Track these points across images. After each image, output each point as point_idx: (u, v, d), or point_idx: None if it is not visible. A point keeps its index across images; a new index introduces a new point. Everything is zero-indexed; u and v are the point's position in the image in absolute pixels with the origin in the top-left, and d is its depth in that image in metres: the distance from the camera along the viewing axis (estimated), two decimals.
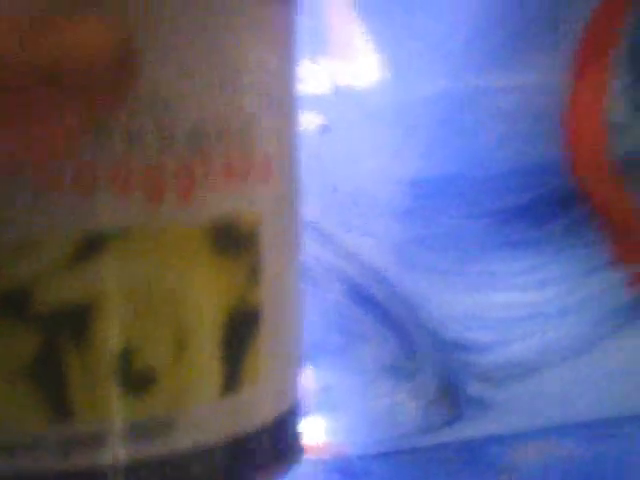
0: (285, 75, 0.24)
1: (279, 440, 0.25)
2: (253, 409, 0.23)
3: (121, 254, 0.21)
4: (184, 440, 0.22)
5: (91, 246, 0.20)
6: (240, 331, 0.23)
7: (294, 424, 0.25)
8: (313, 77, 0.40)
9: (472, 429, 0.44)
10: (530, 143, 0.41)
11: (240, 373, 0.23)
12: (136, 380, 0.21)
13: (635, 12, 0.42)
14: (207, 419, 0.22)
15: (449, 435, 0.44)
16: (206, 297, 0.22)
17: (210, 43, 0.22)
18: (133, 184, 0.21)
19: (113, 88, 0.20)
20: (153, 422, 0.21)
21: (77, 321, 0.21)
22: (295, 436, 0.26)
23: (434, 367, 0.44)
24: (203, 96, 0.21)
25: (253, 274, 0.23)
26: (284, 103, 0.24)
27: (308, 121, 0.40)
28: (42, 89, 0.19)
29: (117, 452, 0.21)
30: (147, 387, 0.21)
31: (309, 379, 0.42)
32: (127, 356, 0.21)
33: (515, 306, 0.43)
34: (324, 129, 0.40)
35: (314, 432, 0.42)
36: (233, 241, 0.22)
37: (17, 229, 0.20)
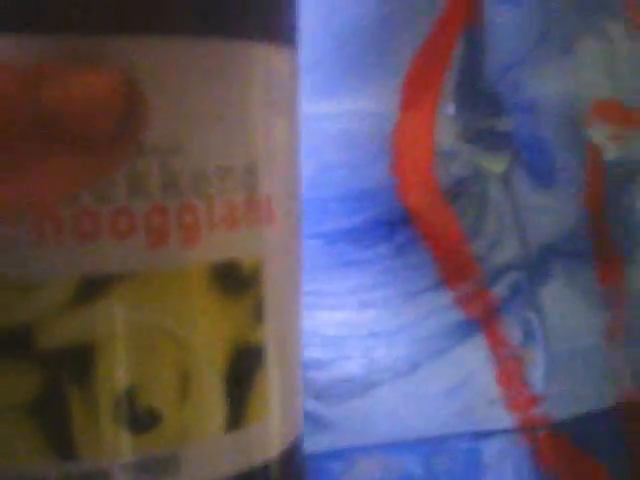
0: (291, 119, 0.24)
1: (285, 472, 0.25)
2: (258, 444, 0.23)
3: (123, 297, 0.21)
4: (189, 477, 0.22)
5: (93, 289, 0.21)
6: (244, 368, 0.23)
7: (299, 455, 0.26)
8: None
9: (309, 445, 0.41)
10: (360, 167, 0.42)
11: (245, 409, 0.23)
12: (140, 419, 0.21)
13: (463, 44, 0.43)
14: (212, 455, 0.22)
15: None
16: (209, 337, 0.22)
17: (215, 87, 0.22)
18: (135, 228, 0.21)
19: (118, 138, 0.19)
20: (158, 460, 0.21)
21: (80, 361, 0.21)
22: (300, 467, 0.26)
23: None
24: (207, 140, 0.21)
25: (256, 313, 0.23)
26: (288, 147, 0.24)
27: None
28: (47, 141, 0.19)
29: None
30: (151, 426, 0.21)
31: None
32: (130, 396, 0.21)
33: (347, 325, 0.43)
34: None
35: None
36: (236, 282, 0.22)
37: (20, 271, 0.20)
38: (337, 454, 0.44)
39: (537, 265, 0.45)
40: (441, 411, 0.44)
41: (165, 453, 0.22)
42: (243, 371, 0.23)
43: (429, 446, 0.44)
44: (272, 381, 0.24)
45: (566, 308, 0.46)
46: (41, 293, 0.20)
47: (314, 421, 0.44)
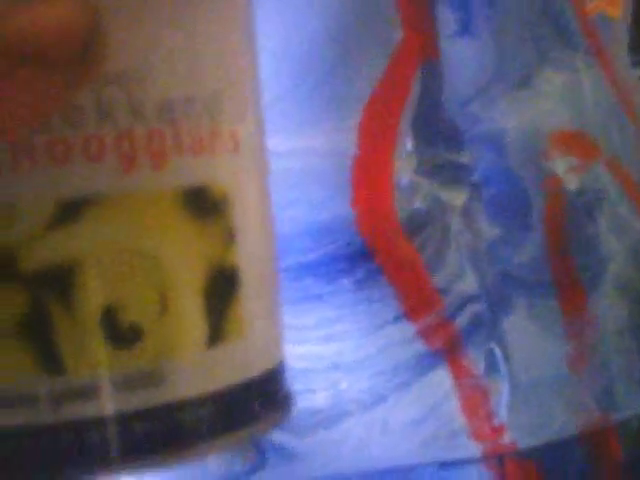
0: (247, 53, 0.25)
1: (268, 394, 0.25)
2: (240, 362, 0.24)
3: (98, 219, 0.22)
4: (172, 392, 0.23)
5: (69, 212, 0.22)
6: (221, 289, 0.24)
7: (282, 380, 0.26)
8: None
9: (276, 476, 0.44)
10: (320, 203, 0.42)
11: (224, 327, 0.24)
12: (122, 335, 0.22)
13: (420, 78, 0.44)
14: (194, 371, 0.23)
15: None
16: (184, 257, 0.23)
17: (175, 17, 0.23)
18: (105, 153, 0.22)
19: (81, 63, 0.20)
20: (141, 374, 0.22)
21: (61, 281, 0.22)
22: (284, 391, 0.26)
23: None
24: (170, 68, 0.22)
25: (228, 238, 0.24)
26: (248, 79, 0.25)
27: None
28: (10, 65, 0.20)
29: (107, 404, 0.22)
30: (134, 341, 0.22)
31: None
32: (112, 313, 0.22)
33: (313, 358, 0.44)
34: None
35: None
36: (206, 206, 0.23)
37: None
38: None
39: (499, 296, 0.45)
40: (407, 441, 0.44)
41: (148, 368, 0.23)
42: (219, 291, 0.24)
43: (396, 476, 0.45)
44: (248, 302, 0.25)
45: (529, 338, 0.46)
46: (20, 217, 0.22)
47: (283, 452, 0.44)
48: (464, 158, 0.45)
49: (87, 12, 0.20)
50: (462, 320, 0.45)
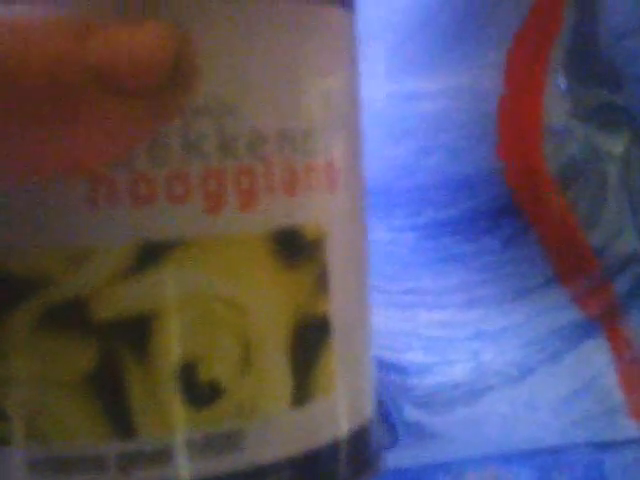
0: (348, 84, 0.24)
1: (356, 454, 0.24)
2: (327, 422, 0.23)
3: (180, 264, 0.21)
4: (254, 455, 0.22)
5: (149, 256, 0.21)
6: (309, 340, 0.22)
7: (371, 438, 0.25)
8: None
9: (409, 457, 0.42)
10: (461, 152, 0.40)
11: (311, 384, 0.23)
12: (201, 392, 0.21)
13: (573, 12, 0.41)
14: (277, 432, 0.22)
15: (385, 463, 0.42)
16: (271, 307, 0.22)
17: (271, 46, 0.21)
18: (192, 192, 0.21)
19: (171, 94, 0.19)
20: (220, 437, 0.21)
21: (137, 332, 0.21)
22: (373, 450, 0.25)
23: None
24: (264, 100, 0.22)
25: (320, 283, 0.23)
26: (347, 113, 0.24)
27: None
28: (98, 93, 0.19)
29: (182, 469, 0.21)
30: (213, 400, 0.21)
31: None
32: (190, 368, 0.21)
33: (450, 326, 0.41)
34: None
35: None
36: (298, 250, 0.22)
37: (72, 239, 0.20)
38: (443, 467, 0.43)
39: None
40: (558, 420, 0.42)
41: (228, 429, 0.21)
42: (308, 343, 0.22)
43: (545, 458, 0.42)
44: (339, 355, 0.23)
45: None
46: (96, 261, 0.20)
47: (417, 431, 0.42)
48: (623, 99, 0.42)
49: (176, 38, 0.19)
50: (622, 284, 0.42)
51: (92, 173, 0.20)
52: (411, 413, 0.42)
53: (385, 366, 0.42)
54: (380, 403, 0.42)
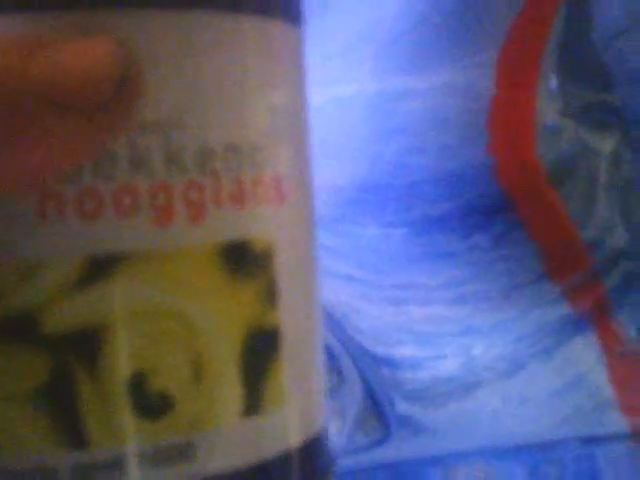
0: (295, 97, 0.24)
1: (307, 465, 0.24)
2: (277, 433, 0.23)
3: (129, 277, 0.21)
4: (205, 465, 0.22)
5: (98, 269, 0.20)
6: (259, 352, 0.22)
7: (323, 448, 0.25)
8: None
9: (402, 451, 0.42)
10: (453, 148, 0.40)
11: (262, 395, 0.22)
12: (151, 404, 0.21)
13: (565, 11, 0.40)
14: (228, 443, 0.22)
15: (376, 457, 0.43)
16: (221, 319, 0.22)
17: (217, 62, 0.21)
18: (140, 206, 0.21)
19: (115, 109, 0.19)
20: (172, 447, 0.21)
21: (87, 345, 0.20)
22: (324, 461, 0.25)
23: (360, 383, 0.42)
24: (210, 114, 0.21)
25: (270, 296, 0.23)
26: (295, 126, 0.24)
27: None
28: (42, 110, 0.19)
29: (134, 479, 0.21)
30: (164, 411, 0.21)
31: None
32: (141, 380, 0.21)
33: (443, 321, 0.41)
34: None
35: None
36: (247, 263, 0.22)
37: (21, 252, 0.20)
38: (433, 461, 0.43)
39: None
40: (548, 415, 0.42)
41: (179, 440, 0.21)
42: (258, 355, 0.22)
43: (535, 453, 0.43)
44: (289, 367, 0.23)
45: None
46: (45, 275, 0.20)
47: (408, 425, 0.42)
48: (614, 99, 0.41)
49: (122, 55, 0.19)
50: (612, 279, 0.42)
51: (40, 188, 0.20)
52: (403, 407, 0.42)
53: (377, 360, 0.42)
54: (372, 397, 0.43)
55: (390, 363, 0.42)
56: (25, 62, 0.18)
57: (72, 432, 0.20)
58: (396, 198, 0.40)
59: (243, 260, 0.22)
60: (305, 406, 0.24)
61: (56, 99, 0.19)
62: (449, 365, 0.42)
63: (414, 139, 0.40)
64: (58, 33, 0.20)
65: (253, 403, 0.22)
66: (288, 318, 0.23)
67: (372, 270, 0.41)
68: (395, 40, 0.39)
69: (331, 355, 0.42)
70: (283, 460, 0.23)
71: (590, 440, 0.43)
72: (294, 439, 0.23)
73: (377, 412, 0.42)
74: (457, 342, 0.41)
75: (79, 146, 0.19)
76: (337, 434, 0.42)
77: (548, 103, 0.40)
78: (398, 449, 0.42)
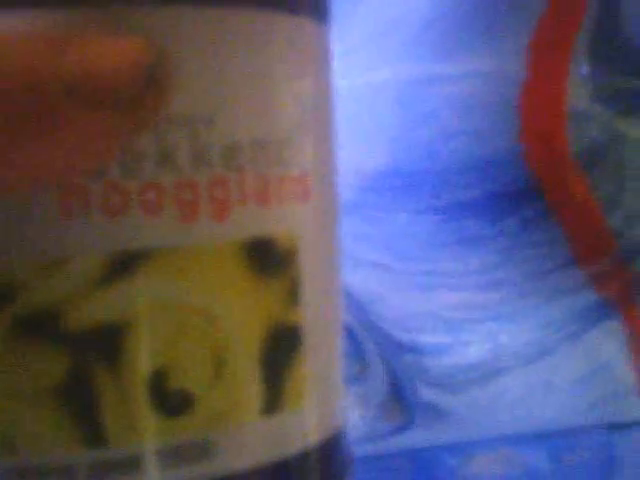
0: (321, 94, 0.24)
1: (326, 464, 0.24)
2: (297, 431, 0.23)
3: (153, 274, 0.21)
4: (224, 464, 0.21)
5: (121, 266, 0.20)
6: (281, 350, 0.22)
7: (341, 448, 0.25)
8: None
9: (425, 437, 0.42)
10: (483, 134, 0.40)
11: (282, 393, 0.22)
12: (172, 402, 0.21)
13: None
14: (248, 441, 0.22)
15: (400, 443, 0.42)
16: (243, 316, 0.22)
17: (245, 57, 0.21)
18: (164, 203, 0.21)
19: (143, 105, 0.19)
20: (191, 446, 0.21)
21: (108, 342, 0.20)
22: (343, 460, 0.25)
23: (384, 370, 0.42)
24: (238, 110, 0.21)
25: (292, 294, 0.23)
26: (321, 122, 0.23)
27: None
28: (69, 106, 0.19)
29: (153, 478, 0.21)
30: (184, 409, 0.21)
31: None
32: (162, 377, 0.21)
33: (469, 307, 0.41)
34: None
35: None
36: (270, 260, 0.22)
37: (45, 248, 0.20)
38: (455, 447, 0.43)
39: None
40: (572, 401, 0.42)
41: (198, 438, 0.21)
42: (279, 353, 0.22)
43: (558, 440, 0.43)
44: (310, 365, 0.23)
45: None
46: (68, 271, 0.20)
47: (430, 411, 0.42)
48: None
49: (150, 50, 0.19)
50: (639, 267, 0.42)
51: (65, 183, 0.20)
52: (427, 393, 0.42)
53: (402, 347, 0.42)
54: (396, 384, 0.42)
55: (415, 349, 0.42)
56: (55, 58, 0.18)
57: (90, 430, 0.20)
58: (426, 184, 0.39)
59: (267, 258, 0.22)
60: (325, 405, 0.24)
61: (85, 95, 0.18)
62: (475, 352, 0.42)
63: (444, 125, 0.39)
64: (88, 29, 0.20)
65: (274, 401, 0.22)
66: (310, 316, 0.23)
67: (401, 257, 0.40)
68: (426, 26, 0.39)
69: (355, 341, 0.42)
70: (303, 458, 0.23)
71: (614, 427, 0.43)
72: (314, 437, 0.23)
73: (400, 399, 0.42)
74: (484, 328, 0.41)
75: (105, 142, 0.19)
76: (360, 420, 0.42)
77: (579, 89, 0.40)
78: (421, 436, 0.42)
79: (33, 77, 0.18)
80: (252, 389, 0.22)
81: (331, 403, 0.24)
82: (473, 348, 0.42)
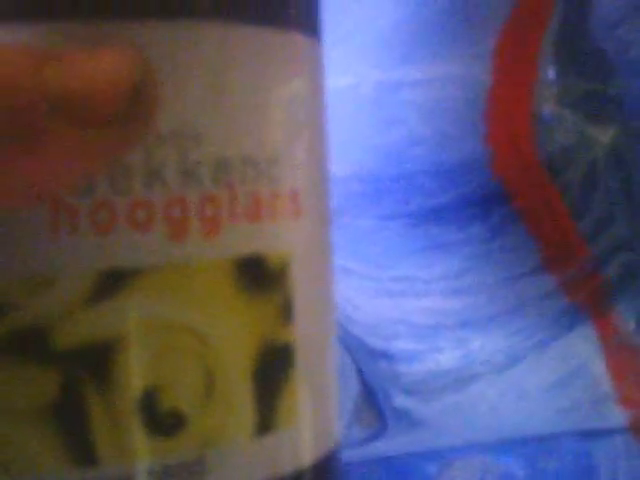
0: (313, 110, 0.24)
1: None
2: (290, 451, 0.23)
3: (142, 292, 0.20)
4: None
5: (110, 284, 0.20)
6: (273, 369, 0.22)
7: (335, 466, 0.25)
8: None
9: (399, 444, 0.42)
10: (450, 139, 0.40)
11: (274, 413, 0.22)
12: (163, 422, 0.21)
13: (562, 2, 0.40)
14: (240, 462, 0.22)
15: (374, 451, 0.42)
16: (234, 335, 0.21)
17: (235, 74, 0.21)
18: (154, 220, 0.20)
19: (131, 121, 0.19)
20: (182, 466, 0.21)
21: (98, 360, 0.20)
22: (336, 478, 0.25)
23: (356, 377, 0.42)
24: (228, 126, 0.21)
25: (284, 311, 0.22)
26: (312, 139, 0.23)
27: None
28: (55, 124, 0.19)
29: None
30: (175, 429, 0.21)
31: None
32: (152, 397, 0.21)
33: (439, 313, 0.41)
34: None
35: None
36: (262, 278, 0.22)
37: (33, 266, 0.20)
38: (431, 454, 0.43)
39: None
40: (545, 408, 0.42)
41: (190, 458, 0.21)
42: (271, 372, 0.22)
43: (533, 446, 0.42)
44: (303, 384, 0.23)
45: None
46: (57, 290, 0.20)
47: (405, 418, 0.42)
48: (612, 88, 0.41)
49: (137, 65, 0.19)
50: (610, 271, 0.42)
51: (53, 201, 0.20)
52: (399, 400, 0.42)
53: (374, 353, 0.42)
54: (369, 390, 0.42)
55: (387, 356, 0.42)
56: (39, 72, 0.18)
57: (81, 449, 0.20)
58: (393, 189, 0.39)
59: (258, 275, 0.22)
60: (319, 423, 0.24)
61: (70, 110, 0.18)
62: (446, 358, 0.41)
63: (412, 130, 0.39)
64: (74, 43, 0.20)
65: (266, 420, 0.22)
66: (302, 334, 0.23)
67: (369, 262, 0.40)
68: (392, 31, 0.39)
69: None
70: (296, 478, 0.23)
71: (588, 433, 0.42)
72: (307, 457, 0.23)
73: (373, 405, 0.42)
74: (454, 335, 0.41)
75: (93, 158, 0.19)
76: None
77: (546, 93, 0.40)
78: (394, 442, 0.42)
79: (15, 93, 0.18)
80: (244, 408, 0.21)
81: (325, 422, 0.24)
82: (445, 355, 0.41)
